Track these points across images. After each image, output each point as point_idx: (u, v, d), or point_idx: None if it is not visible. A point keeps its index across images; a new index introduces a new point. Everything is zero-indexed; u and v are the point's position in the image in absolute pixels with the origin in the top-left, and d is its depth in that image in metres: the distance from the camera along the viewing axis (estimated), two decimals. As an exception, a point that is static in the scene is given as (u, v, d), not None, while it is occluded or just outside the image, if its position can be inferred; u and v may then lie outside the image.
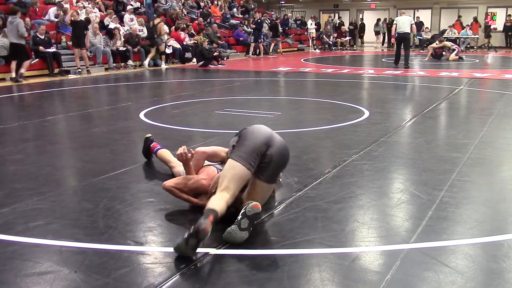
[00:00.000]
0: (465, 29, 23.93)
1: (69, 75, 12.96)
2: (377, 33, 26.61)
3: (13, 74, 11.69)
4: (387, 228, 3.29)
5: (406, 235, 3.11)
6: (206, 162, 3.83)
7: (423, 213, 3.44)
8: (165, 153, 4.49)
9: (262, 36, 20.68)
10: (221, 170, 3.63)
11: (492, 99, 9.25)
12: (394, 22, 15.89)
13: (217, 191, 3.15)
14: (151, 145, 4.67)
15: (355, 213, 3.54)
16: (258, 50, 20.68)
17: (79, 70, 13.29)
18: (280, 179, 4.10)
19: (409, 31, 14.99)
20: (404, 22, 14.87)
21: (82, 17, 15.35)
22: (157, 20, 15.92)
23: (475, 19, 25.04)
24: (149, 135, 4.79)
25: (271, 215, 3.45)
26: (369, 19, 29.01)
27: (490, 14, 26.79)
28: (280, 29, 23.00)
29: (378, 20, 27.12)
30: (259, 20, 20.64)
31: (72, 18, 13.37)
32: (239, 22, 21.94)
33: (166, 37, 16.32)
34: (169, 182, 3.60)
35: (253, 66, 16.41)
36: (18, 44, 11.79)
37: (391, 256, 2.85)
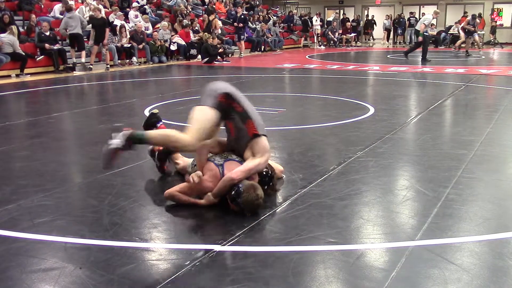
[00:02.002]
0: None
1: (74, 72, 12.98)
2: (386, 29, 26.49)
3: (83, 59, 13.34)
4: (392, 225, 3.28)
5: (412, 232, 3.10)
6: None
7: (428, 210, 3.43)
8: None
9: (245, 33, 19.03)
10: (220, 165, 3.52)
11: (498, 95, 9.21)
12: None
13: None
14: (158, 125, 4.22)
15: (360, 210, 3.53)
16: (263, 47, 20.63)
17: (91, 66, 13.50)
18: (283, 176, 4.10)
19: (419, 29, 15.52)
20: (421, 20, 15.71)
21: (87, 14, 15.41)
22: (212, 16, 18.10)
23: (480, 15, 24.88)
24: (156, 110, 4.32)
25: (275, 212, 3.45)
26: (375, 15, 28.89)
27: (496, 10, 26.63)
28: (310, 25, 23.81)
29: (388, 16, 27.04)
30: (241, 16, 18.78)
31: (93, 15, 13.72)
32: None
33: (219, 31, 18.28)
34: (170, 190, 3.53)
35: (258, 63, 16.39)
36: (79, 35, 13.29)
37: (397, 253, 2.84)
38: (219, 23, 18.63)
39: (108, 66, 13.82)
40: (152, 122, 4.23)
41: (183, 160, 4.17)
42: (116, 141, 3.28)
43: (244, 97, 3.64)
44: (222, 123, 3.55)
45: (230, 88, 3.58)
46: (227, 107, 3.47)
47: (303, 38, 23.99)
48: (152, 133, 3.47)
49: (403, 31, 25.98)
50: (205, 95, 3.50)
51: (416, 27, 15.91)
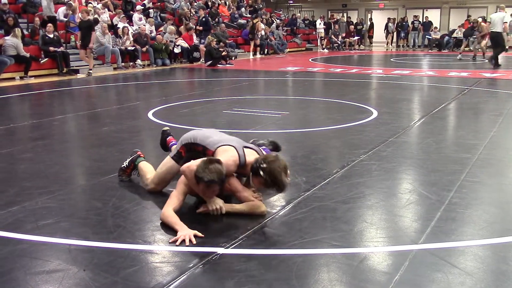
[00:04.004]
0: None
1: (77, 75, 13.02)
2: (389, 32, 26.43)
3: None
4: (396, 228, 3.27)
5: (415, 236, 3.10)
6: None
7: (432, 214, 3.43)
8: None
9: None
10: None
11: (502, 99, 9.19)
12: (488, 19, 15.32)
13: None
14: (167, 138, 4.61)
15: (363, 213, 3.53)
16: (264, 50, 20.62)
17: (90, 71, 13.16)
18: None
19: (500, 30, 14.34)
20: (494, 20, 14.35)
21: (91, 17, 15.44)
22: (256, 20, 20.05)
23: (484, 19, 24.81)
24: (166, 128, 4.73)
25: (279, 215, 3.45)
26: (378, 19, 28.90)
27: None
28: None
29: (393, 19, 26.94)
30: (203, 19, 17.24)
31: (80, 17, 13.43)
32: (247, 21, 21.93)
33: (263, 32, 20.12)
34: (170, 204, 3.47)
35: (261, 66, 16.41)
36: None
37: (400, 257, 2.84)
38: (262, 26, 20.27)
39: (91, 71, 13.13)
40: (164, 137, 4.60)
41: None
42: (126, 161, 4.16)
43: (201, 132, 3.91)
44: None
45: (191, 134, 3.87)
46: (192, 152, 3.77)
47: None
48: (141, 165, 4.07)
49: (406, 34, 25.97)
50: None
51: (496, 29, 14.29)
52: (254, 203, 3.43)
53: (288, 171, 3.47)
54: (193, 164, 3.41)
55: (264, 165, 3.35)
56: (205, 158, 3.39)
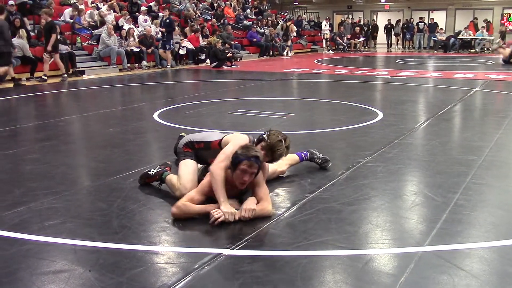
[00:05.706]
0: (480, 30, 23.68)
1: (83, 76, 13.05)
2: (396, 34, 26.36)
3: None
4: (401, 230, 3.27)
5: (421, 238, 3.09)
6: None
7: (437, 216, 3.42)
8: None
9: (172, 41, 15.72)
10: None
11: (508, 101, 9.16)
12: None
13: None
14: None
15: (368, 215, 3.52)
16: (272, 52, 20.62)
17: (44, 77, 11.91)
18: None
19: None
20: None
21: (96, 18, 15.48)
22: (289, 22, 23.02)
23: (488, 22, 24.74)
24: (183, 134, 4.75)
25: (284, 216, 3.45)
26: (383, 20, 28.85)
27: (506, 15, 26.50)
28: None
29: (398, 21, 26.86)
30: (167, 20, 15.66)
31: (42, 19, 12.52)
32: (252, 23, 21.96)
33: (293, 34, 22.30)
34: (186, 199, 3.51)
35: (266, 67, 16.41)
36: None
37: (405, 259, 2.83)
38: (294, 28, 22.74)
39: (45, 77, 11.87)
40: (177, 142, 4.64)
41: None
42: (153, 170, 4.10)
43: (200, 133, 4.20)
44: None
45: (188, 137, 4.09)
46: (195, 151, 3.97)
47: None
48: (168, 177, 3.99)
49: (411, 36, 25.92)
50: (177, 152, 4.14)
51: None
52: (262, 206, 3.41)
53: (288, 144, 3.73)
54: (221, 159, 3.49)
55: (267, 133, 3.69)
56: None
